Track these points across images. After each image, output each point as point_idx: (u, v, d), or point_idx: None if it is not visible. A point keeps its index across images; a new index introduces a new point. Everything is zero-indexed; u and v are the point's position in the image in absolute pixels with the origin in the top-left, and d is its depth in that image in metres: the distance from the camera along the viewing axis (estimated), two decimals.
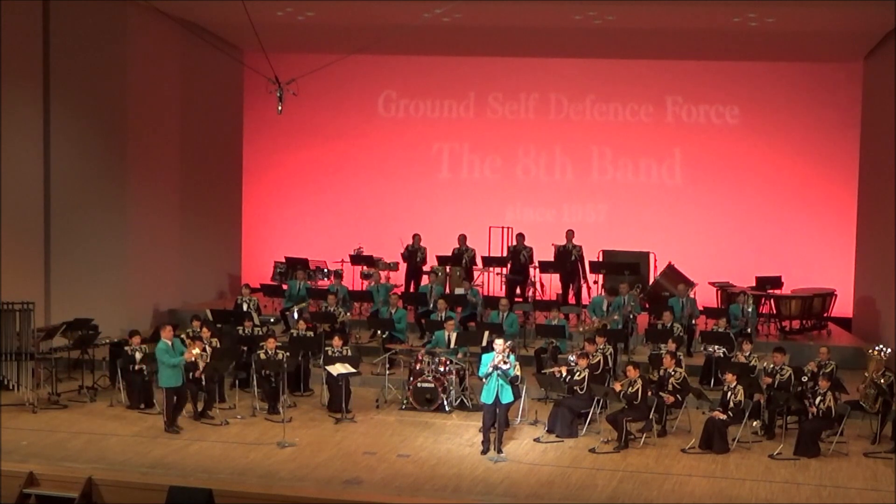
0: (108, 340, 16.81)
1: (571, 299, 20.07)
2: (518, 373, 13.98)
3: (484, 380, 13.51)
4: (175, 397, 14.33)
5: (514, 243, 20.60)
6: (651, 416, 14.15)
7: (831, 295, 19.70)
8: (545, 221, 23.17)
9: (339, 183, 24.03)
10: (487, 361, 13.46)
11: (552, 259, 20.29)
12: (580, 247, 20.21)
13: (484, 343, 16.50)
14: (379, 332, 17.82)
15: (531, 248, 20.30)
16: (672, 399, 14.51)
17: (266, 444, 13.80)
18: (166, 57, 20.21)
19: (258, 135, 23.89)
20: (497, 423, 13.40)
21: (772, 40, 19.99)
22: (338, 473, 12.69)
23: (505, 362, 13.27)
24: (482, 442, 13.55)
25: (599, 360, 15.46)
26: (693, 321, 18.05)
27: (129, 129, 19.29)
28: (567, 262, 20.17)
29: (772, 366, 14.86)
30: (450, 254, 20.51)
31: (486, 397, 13.39)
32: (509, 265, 20.51)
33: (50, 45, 18.38)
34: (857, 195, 21.10)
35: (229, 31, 20.91)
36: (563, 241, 20.35)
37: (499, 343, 13.55)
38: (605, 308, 17.86)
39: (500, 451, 13.40)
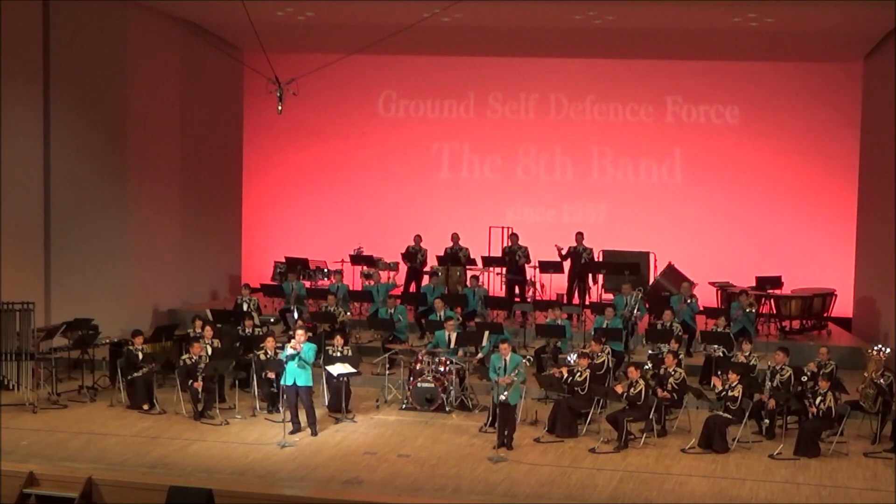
0: (108, 340, 16.81)
1: (575, 300, 20.06)
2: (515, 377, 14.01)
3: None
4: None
5: (509, 243, 20.59)
6: (651, 416, 14.15)
7: (831, 295, 19.70)
8: (545, 221, 23.19)
9: (339, 183, 24.04)
10: (495, 362, 13.85)
11: (559, 259, 20.24)
12: (591, 249, 20.19)
13: (484, 343, 16.53)
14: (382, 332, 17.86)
15: (526, 248, 20.29)
16: (667, 395, 14.51)
17: (266, 444, 13.80)
18: (166, 57, 20.21)
19: (258, 135, 23.89)
20: (499, 421, 13.49)
21: (772, 40, 20.00)
22: (338, 473, 12.69)
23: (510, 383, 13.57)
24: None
25: (604, 360, 15.50)
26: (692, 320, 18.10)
27: (129, 129, 19.29)
28: (577, 263, 20.15)
29: (772, 365, 14.88)
30: (443, 254, 20.48)
31: (495, 397, 13.73)
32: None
33: (50, 45, 18.41)
34: (857, 195, 21.10)
35: (229, 31, 20.93)
36: (563, 244, 20.28)
37: (504, 348, 13.94)
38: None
39: (510, 448, 13.54)
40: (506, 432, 13.61)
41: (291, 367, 14.07)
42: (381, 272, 20.14)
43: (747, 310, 17.87)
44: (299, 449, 13.65)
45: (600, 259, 20.56)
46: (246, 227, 23.68)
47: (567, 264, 20.30)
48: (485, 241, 21.66)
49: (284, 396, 14.30)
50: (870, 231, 20.02)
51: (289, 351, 14.10)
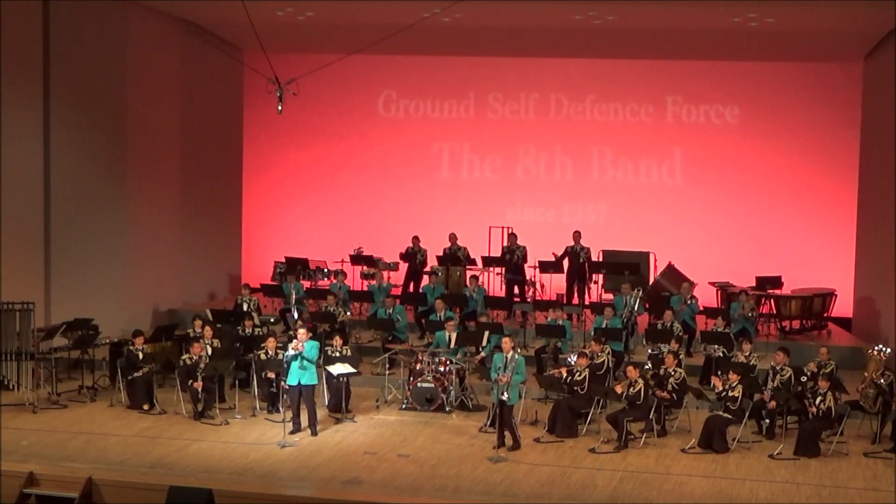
0: (108, 340, 16.82)
1: (575, 300, 20.06)
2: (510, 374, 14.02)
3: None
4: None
5: (507, 243, 20.60)
6: (651, 416, 14.15)
7: (831, 295, 19.69)
8: (545, 221, 23.19)
9: (339, 183, 24.04)
10: (497, 362, 13.85)
11: (555, 263, 20.26)
12: (588, 249, 20.19)
13: (484, 342, 16.53)
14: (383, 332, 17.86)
15: (524, 248, 20.29)
16: (667, 396, 14.51)
17: (266, 444, 13.80)
18: (166, 57, 20.21)
19: (258, 135, 23.90)
20: (499, 421, 13.51)
21: (772, 40, 20.00)
22: (338, 473, 12.69)
23: (508, 382, 13.55)
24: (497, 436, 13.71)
25: (604, 360, 15.52)
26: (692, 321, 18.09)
27: (129, 129, 19.29)
28: (575, 263, 20.15)
29: (772, 365, 14.89)
30: (442, 254, 20.49)
31: (494, 397, 13.77)
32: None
33: (50, 45, 18.42)
34: (857, 195, 21.10)
35: (229, 31, 20.92)
36: (562, 244, 20.30)
37: (506, 341, 14.01)
38: None
39: (512, 448, 13.55)
40: (505, 433, 13.62)
41: (295, 367, 14.06)
42: (383, 272, 20.12)
43: (748, 314, 17.84)
44: (299, 449, 13.65)
45: (600, 259, 20.57)
46: (246, 227, 23.68)
47: (566, 264, 20.30)
48: (485, 241, 21.66)
49: (285, 396, 14.32)
50: (870, 231, 20.02)
51: (290, 352, 14.10)
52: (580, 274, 20.18)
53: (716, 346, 16.39)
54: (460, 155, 23.90)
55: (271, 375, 15.00)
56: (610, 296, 19.42)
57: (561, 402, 14.52)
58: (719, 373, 14.74)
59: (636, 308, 17.88)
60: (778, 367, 14.78)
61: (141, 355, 15.68)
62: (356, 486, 12.26)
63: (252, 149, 23.92)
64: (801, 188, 22.44)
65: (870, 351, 14.97)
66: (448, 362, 15.65)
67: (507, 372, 13.61)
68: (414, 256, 20.73)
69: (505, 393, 13.48)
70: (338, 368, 14.92)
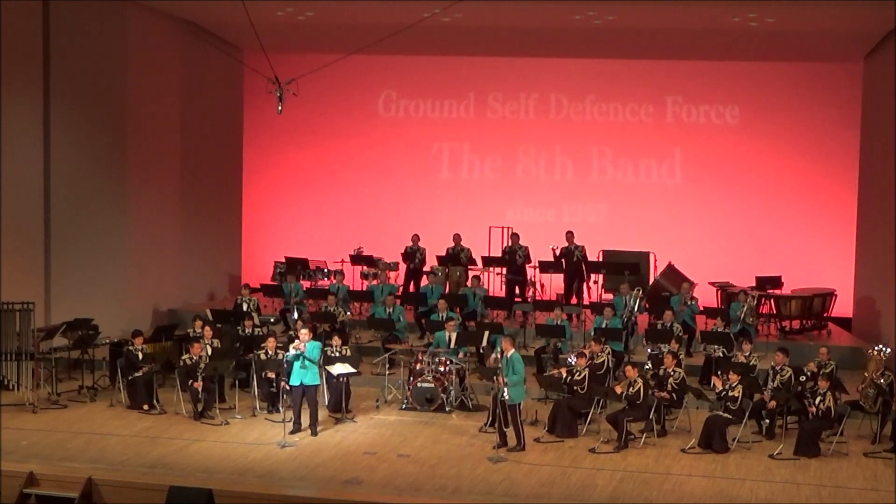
0: (108, 340, 16.82)
1: (573, 300, 20.06)
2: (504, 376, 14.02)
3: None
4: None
5: (510, 243, 20.60)
6: (651, 416, 14.15)
7: (831, 295, 19.69)
8: (545, 221, 23.18)
9: (339, 183, 24.03)
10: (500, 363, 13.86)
11: (552, 260, 20.27)
12: (583, 247, 20.20)
13: (484, 343, 16.52)
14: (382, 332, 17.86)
15: (527, 248, 20.29)
16: (666, 396, 14.51)
17: (266, 444, 13.81)
18: (166, 57, 20.21)
19: (258, 135, 23.89)
20: (499, 422, 13.54)
21: (772, 40, 20.00)
22: (338, 473, 12.70)
23: (506, 383, 13.51)
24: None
25: (604, 360, 15.53)
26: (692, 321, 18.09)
27: (130, 129, 19.29)
28: (570, 262, 20.16)
29: (773, 365, 14.90)
30: (444, 254, 20.49)
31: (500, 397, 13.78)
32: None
33: (50, 45, 18.43)
34: (857, 195, 21.10)
35: (229, 31, 20.93)
36: (560, 244, 20.32)
37: (504, 341, 13.98)
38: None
39: (515, 448, 13.54)
40: (509, 432, 13.59)
41: (297, 367, 14.07)
42: (386, 272, 20.12)
43: (749, 321, 17.83)
44: (299, 449, 13.65)
45: (600, 259, 20.57)
46: (246, 227, 23.68)
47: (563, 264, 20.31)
48: (485, 241, 21.66)
49: (284, 396, 14.31)
50: (870, 231, 20.02)
51: (292, 352, 14.09)
52: (577, 273, 20.19)
53: (716, 346, 16.39)
54: (460, 155, 23.89)
55: (271, 375, 15.01)
56: (610, 296, 19.42)
57: (561, 402, 14.52)
58: (719, 373, 14.74)
59: (636, 308, 17.88)
60: (778, 367, 14.79)
61: (141, 355, 15.68)
62: (356, 486, 12.26)
63: (252, 149, 23.92)
64: (801, 188, 22.44)
65: (870, 351, 14.98)
66: (448, 362, 15.65)
67: (501, 373, 13.55)
68: (413, 255, 20.72)
69: (505, 394, 13.46)
70: (338, 368, 14.92)
